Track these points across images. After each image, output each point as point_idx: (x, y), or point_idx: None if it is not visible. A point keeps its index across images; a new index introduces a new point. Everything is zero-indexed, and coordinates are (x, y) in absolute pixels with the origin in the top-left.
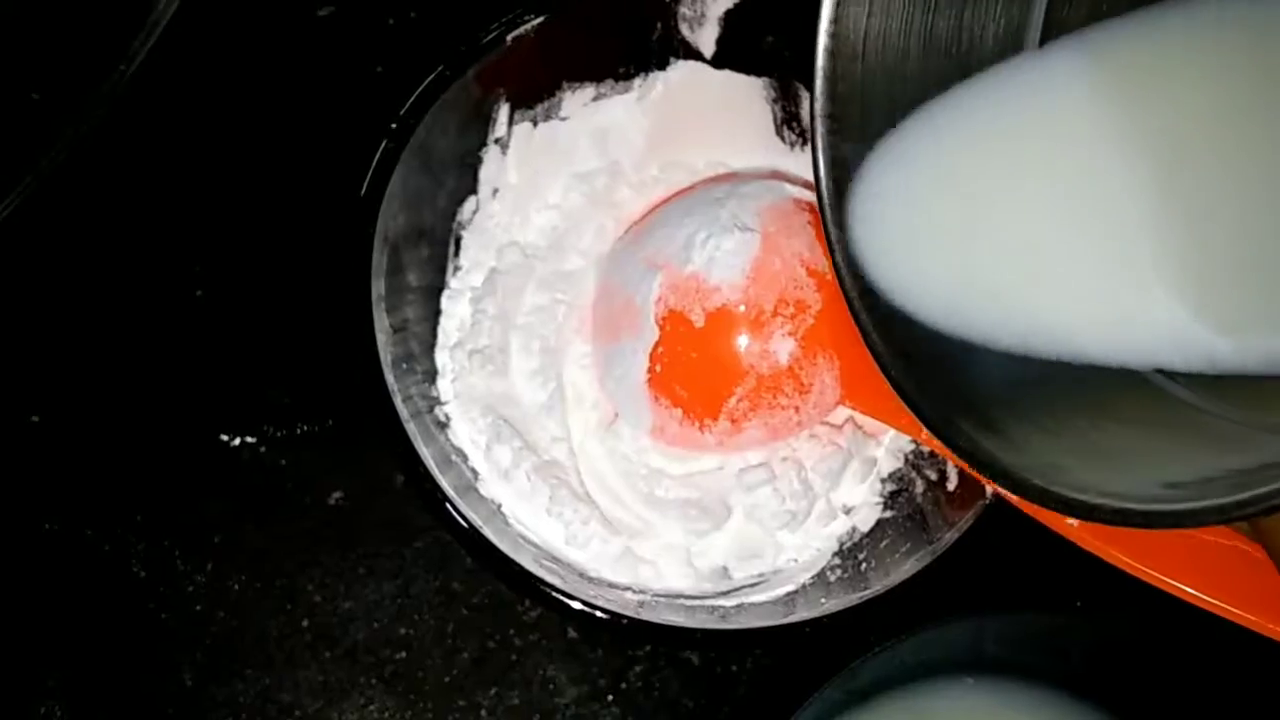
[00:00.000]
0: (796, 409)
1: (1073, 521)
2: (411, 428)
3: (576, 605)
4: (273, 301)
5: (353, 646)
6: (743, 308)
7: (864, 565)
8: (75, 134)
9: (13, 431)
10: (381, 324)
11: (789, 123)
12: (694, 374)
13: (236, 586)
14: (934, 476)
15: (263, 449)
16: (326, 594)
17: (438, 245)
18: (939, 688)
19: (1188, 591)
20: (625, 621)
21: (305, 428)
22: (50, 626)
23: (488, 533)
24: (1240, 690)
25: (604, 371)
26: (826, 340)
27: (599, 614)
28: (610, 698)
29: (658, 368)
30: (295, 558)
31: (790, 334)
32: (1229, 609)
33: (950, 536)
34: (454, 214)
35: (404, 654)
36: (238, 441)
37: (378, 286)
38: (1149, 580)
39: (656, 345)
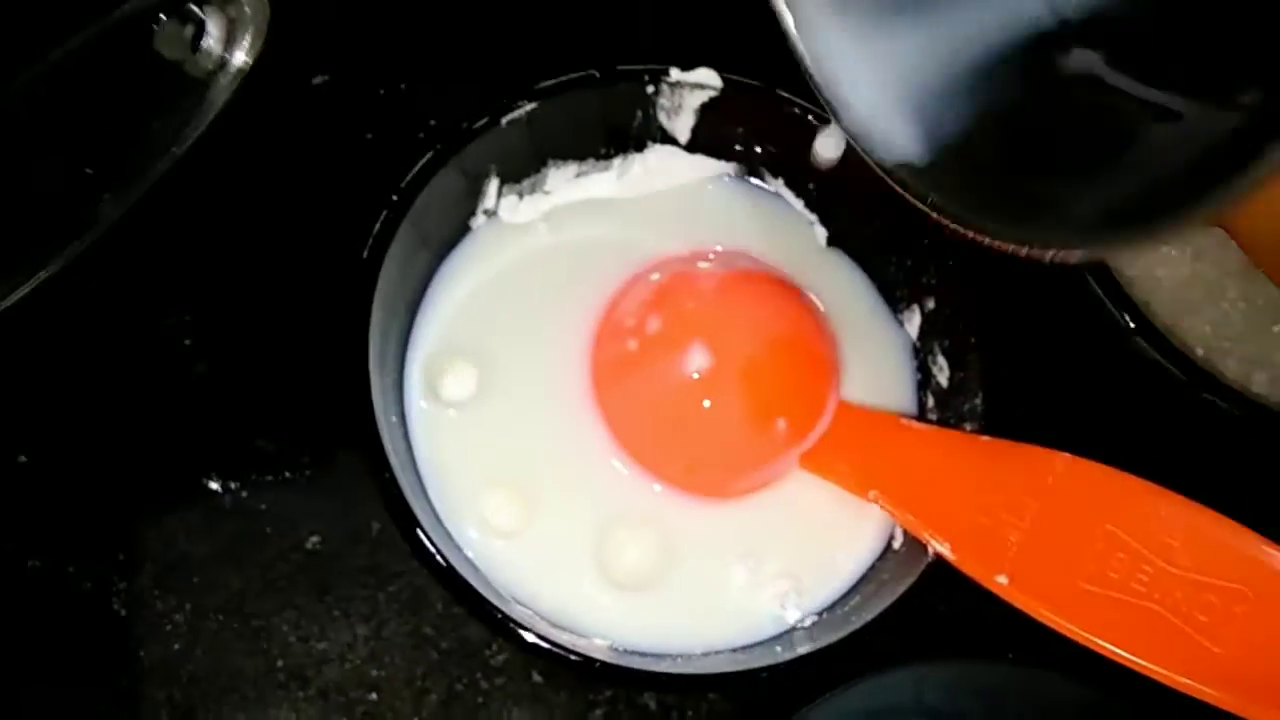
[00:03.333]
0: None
1: (1002, 579)
2: (400, 476)
3: (548, 647)
4: (260, 353)
5: (325, 686)
6: (695, 374)
7: (816, 619)
8: (122, 207)
9: (1, 470)
10: (376, 380)
11: None
12: (647, 429)
13: (214, 626)
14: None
15: (244, 493)
16: (301, 635)
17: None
18: None
19: (1107, 648)
20: (598, 665)
21: (287, 474)
22: (30, 660)
23: (467, 575)
24: None
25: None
26: (779, 405)
27: (573, 657)
28: None
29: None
30: (272, 599)
31: (740, 398)
32: (1148, 666)
33: (896, 592)
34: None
35: (375, 695)
36: (218, 485)
37: (374, 344)
38: (1071, 636)
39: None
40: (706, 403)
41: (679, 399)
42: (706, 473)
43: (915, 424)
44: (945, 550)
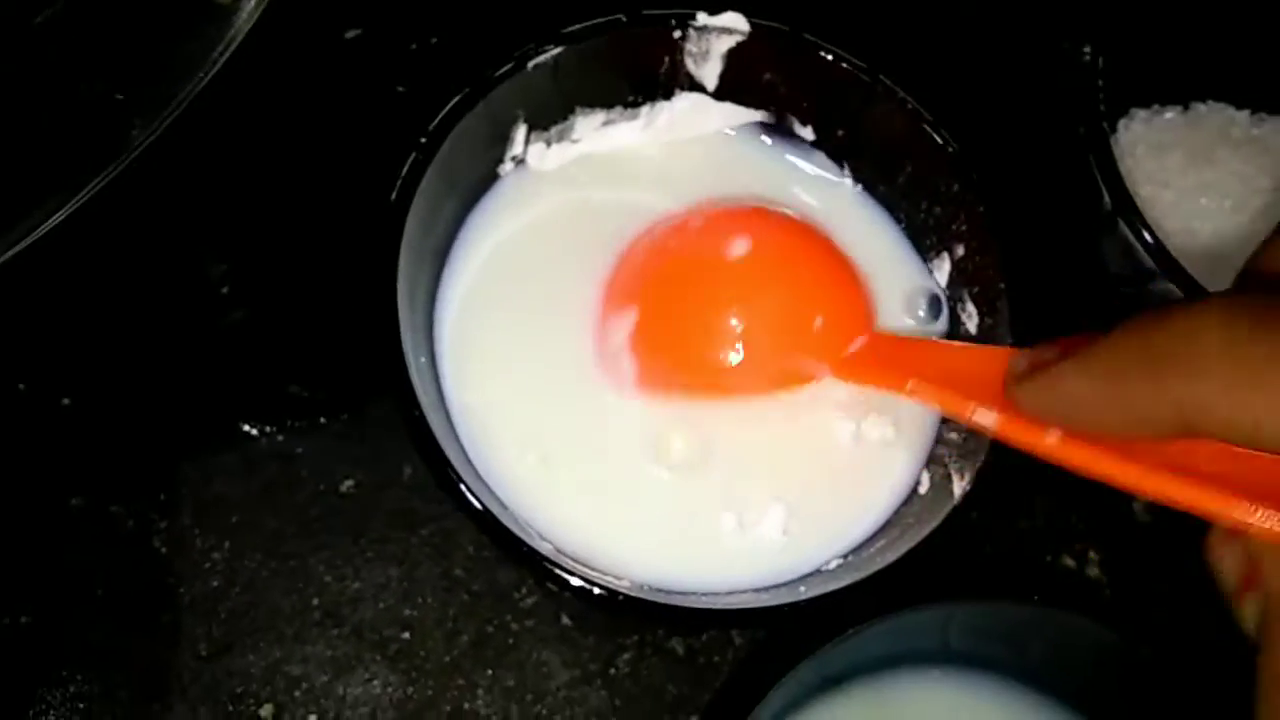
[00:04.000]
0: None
1: (1053, 438)
2: (430, 416)
3: (575, 581)
4: (295, 300)
5: (359, 625)
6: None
7: (842, 561)
8: (152, 135)
9: (46, 412)
10: (405, 320)
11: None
12: (674, 327)
13: (251, 565)
14: None
15: (281, 437)
16: (336, 575)
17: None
18: (907, 675)
19: (1169, 488)
20: (622, 599)
21: (322, 420)
22: (74, 595)
23: (498, 513)
24: (1192, 688)
25: (601, 340)
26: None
27: (596, 590)
28: (599, 682)
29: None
30: (307, 540)
31: (781, 285)
32: (1210, 496)
33: (920, 534)
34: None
35: (407, 634)
36: (256, 430)
37: (403, 287)
38: (1129, 484)
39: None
40: (747, 288)
41: (722, 280)
42: (743, 362)
43: (952, 342)
44: (990, 419)
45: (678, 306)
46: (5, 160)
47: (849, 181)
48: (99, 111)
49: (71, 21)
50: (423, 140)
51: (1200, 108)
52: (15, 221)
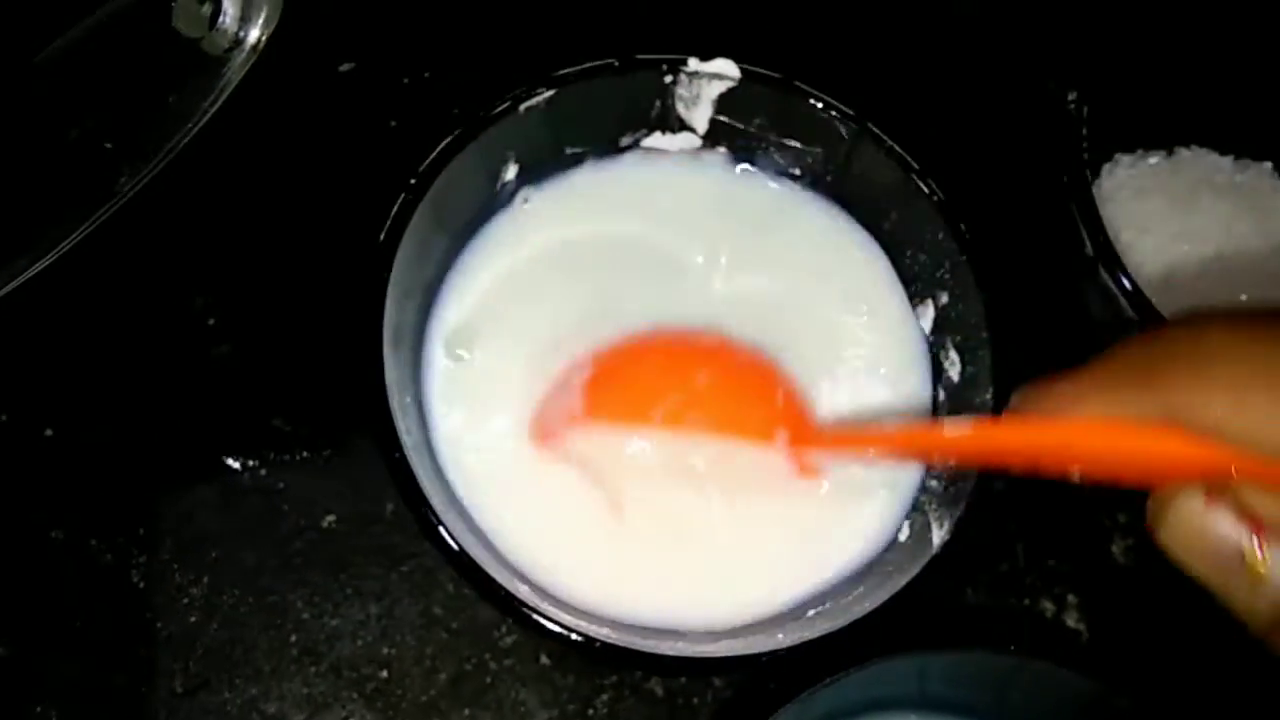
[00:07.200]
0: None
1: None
2: (411, 456)
3: (554, 627)
4: (280, 335)
5: (337, 662)
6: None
7: (818, 608)
8: (138, 184)
9: (28, 443)
10: (390, 363)
11: None
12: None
13: (230, 600)
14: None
15: (263, 472)
16: (314, 611)
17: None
18: None
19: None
20: (599, 646)
21: (305, 455)
22: (50, 628)
23: (478, 555)
24: None
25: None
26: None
27: (575, 636)
28: None
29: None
30: (287, 576)
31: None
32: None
33: (900, 582)
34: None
35: (385, 672)
36: (239, 464)
37: (389, 326)
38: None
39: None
40: (714, 356)
41: (689, 351)
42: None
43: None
44: (963, 428)
45: (641, 356)
46: None
47: (842, 223)
48: (88, 159)
49: (64, 71)
50: (413, 181)
51: (1184, 153)
52: (3, 265)
